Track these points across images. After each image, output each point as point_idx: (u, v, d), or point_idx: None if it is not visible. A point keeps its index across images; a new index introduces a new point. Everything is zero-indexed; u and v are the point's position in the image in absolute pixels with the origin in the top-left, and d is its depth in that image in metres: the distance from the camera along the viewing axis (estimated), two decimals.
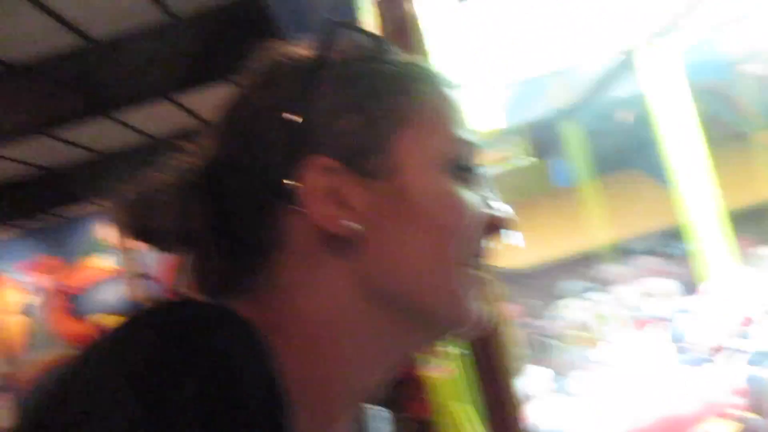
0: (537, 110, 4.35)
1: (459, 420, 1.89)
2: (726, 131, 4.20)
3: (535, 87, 3.97)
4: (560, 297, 3.99)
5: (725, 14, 2.84)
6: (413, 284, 0.42)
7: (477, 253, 0.44)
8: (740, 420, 1.40)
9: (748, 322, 2.10)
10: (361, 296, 0.42)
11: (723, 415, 1.51)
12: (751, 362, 1.62)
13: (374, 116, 0.43)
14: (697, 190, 2.97)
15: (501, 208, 0.45)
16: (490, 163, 4.75)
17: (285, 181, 0.42)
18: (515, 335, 3.75)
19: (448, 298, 0.43)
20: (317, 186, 0.41)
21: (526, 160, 4.74)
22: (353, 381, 0.43)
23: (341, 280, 0.42)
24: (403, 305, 0.43)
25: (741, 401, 1.50)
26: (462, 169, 0.44)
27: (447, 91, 0.46)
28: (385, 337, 0.43)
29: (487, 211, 0.44)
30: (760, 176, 3.71)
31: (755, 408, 1.40)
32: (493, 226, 0.45)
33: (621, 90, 3.65)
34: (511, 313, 3.91)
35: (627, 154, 4.07)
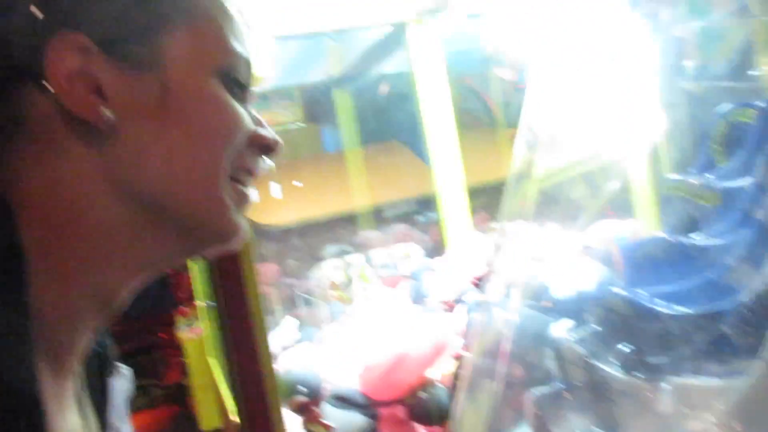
0: (312, 75, 4.41)
1: (211, 378, 1.87)
2: (475, 120, 4.68)
3: (310, 51, 4.02)
4: (319, 257, 4.14)
5: (484, 5, 3.10)
6: (170, 186, 0.41)
7: (242, 167, 0.44)
8: (458, 358, 1.61)
9: (476, 280, 2.40)
10: (110, 191, 0.40)
11: (449, 355, 1.73)
12: (470, 310, 1.86)
13: (143, 5, 0.40)
14: (446, 165, 3.29)
15: (268, 130, 0.45)
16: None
17: (28, 54, 0.38)
18: (271, 291, 3.79)
19: (209, 206, 0.42)
20: (68, 65, 0.38)
21: (298, 124, 4.78)
22: (99, 283, 0.41)
23: (88, 171, 0.39)
24: (157, 207, 0.41)
25: (461, 342, 1.73)
26: (234, 83, 0.43)
27: (226, 3, 0.45)
28: (137, 239, 0.41)
29: (254, 128, 0.44)
30: (499, 162, 4.24)
31: (469, 347, 1.63)
32: (260, 145, 0.45)
33: (391, 64, 3.87)
34: (270, 271, 3.95)
35: (391, 126, 4.34)
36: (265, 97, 4.75)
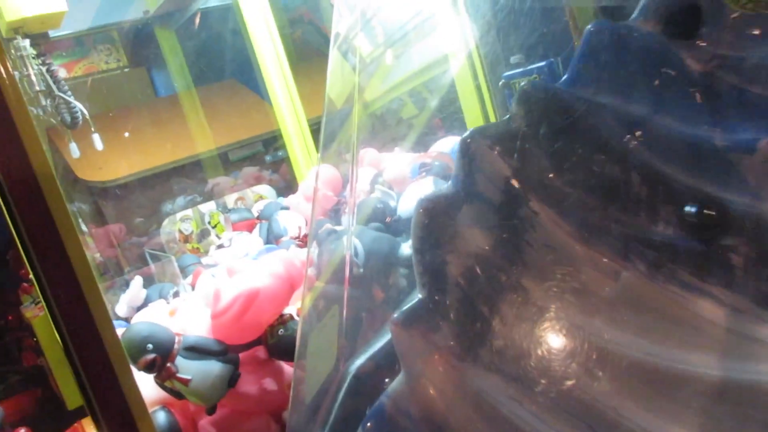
0: (129, 13, 4.04)
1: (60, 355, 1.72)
2: (316, 52, 4.57)
3: None
4: (168, 211, 3.93)
5: None
6: None
7: None
8: (310, 289, 1.60)
9: (328, 211, 2.39)
10: None
11: (298, 286, 1.71)
12: (321, 242, 1.85)
13: None
14: (285, 101, 3.20)
15: None
16: (85, 71, 4.29)
17: None
18: (119, 253, 3.55)
19: None
20: None
21: (123, 68, 4.41)
22: None
23: None
24: None
25: (314, 274, 1.71)
26: None
27: None
28: None
29: None
30: None
31: (320, 277, 1.62)
32: None
33: None
34: (115, 232, 3.69)
35: (223, 64, 4.13)
36: (81, 43, 4.31)
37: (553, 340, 0.68)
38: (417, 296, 0.80)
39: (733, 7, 0.69)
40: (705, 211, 0.60)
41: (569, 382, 0.65)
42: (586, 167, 0.69)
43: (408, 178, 2.11)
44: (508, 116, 0.77)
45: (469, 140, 0.76)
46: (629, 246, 0.64)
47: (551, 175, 0.70)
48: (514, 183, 0.70)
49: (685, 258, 0.61)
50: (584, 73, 0.76)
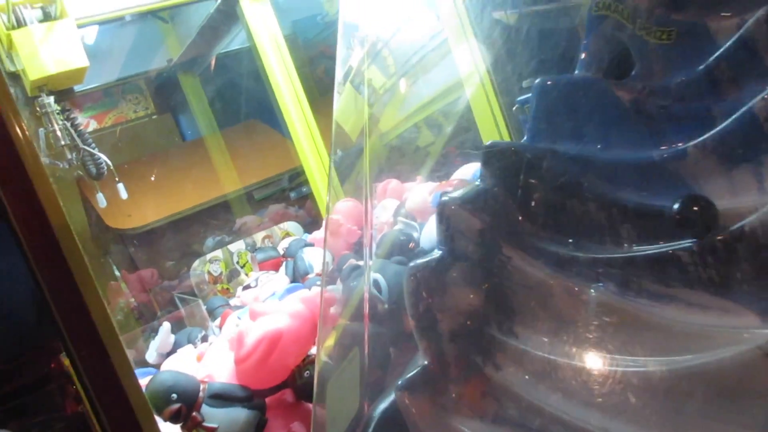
0: (154, 62, 4.16)
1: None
2: (333, 86, 4.61)
3: (145, 36, 3.77)
4: (197, 252, 3.96)
5: None
6: None
7: None
8: (334, 328, 1.57)
9: (351, 246, 2.36)
10: None
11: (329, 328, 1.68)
12: (344, 278, 1.82)
13: None
14: (306, 137, 3.22)
15: None
16: (115, 121, 4.40)
17: None
18: (151, 298, 3.57)
19: None
20: None
21: (150, 116, 4.52)
22: None
23: None
24: None
25: (338, 311, 1.68)
26: None
27: None
28: None
29: None
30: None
31: (343, 315, 1.58)
32: None
33: (232, 41, 3.71)
34: (146, 277, 3.73)
35: (245, 105, 4.20)
36: (110, 94, 4.44)
37: (557, 381, 0.69)
38: (421, 361, 0.83)
39: (653, 41, 0.77)
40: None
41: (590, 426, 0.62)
42: (549, 208, 0.75)
43: (430, 207, 2.08)
44: (478, 178, 0.83)
45: (443, 207, 0.83)
46: (598, 270, 0.68)
47: (519, 219, 0.75)
48: (486, 234, 0.76)
49: (646, 269, 0.64)
50: (540, 127, 0.84)
